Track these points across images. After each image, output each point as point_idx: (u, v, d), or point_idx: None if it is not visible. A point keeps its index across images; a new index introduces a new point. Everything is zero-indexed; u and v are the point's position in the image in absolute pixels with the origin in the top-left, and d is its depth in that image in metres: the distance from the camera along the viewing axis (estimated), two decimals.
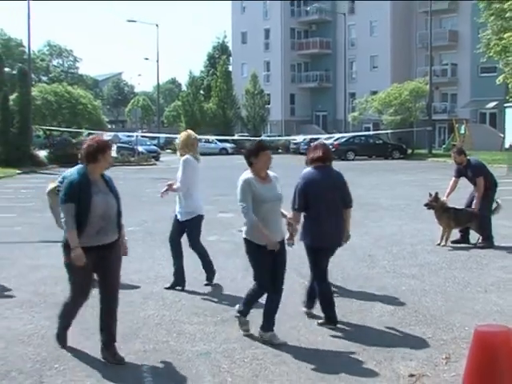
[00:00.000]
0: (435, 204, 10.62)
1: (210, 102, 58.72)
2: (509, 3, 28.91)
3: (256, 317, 6.02)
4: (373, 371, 5.18)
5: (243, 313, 6.04)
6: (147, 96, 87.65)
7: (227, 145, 50.12)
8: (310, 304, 6.61)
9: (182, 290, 7.63)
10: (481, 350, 3.99)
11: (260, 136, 49.29)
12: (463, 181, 10.82)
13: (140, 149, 40.01)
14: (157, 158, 39.94)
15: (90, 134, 38.79)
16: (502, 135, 42.62)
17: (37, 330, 6.19)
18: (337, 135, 43.45)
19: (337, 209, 6.29)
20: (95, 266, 5.33)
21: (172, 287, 7.71)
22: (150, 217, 13.39)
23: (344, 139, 40.92)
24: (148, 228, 11.94)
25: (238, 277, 8.35)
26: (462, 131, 44.07)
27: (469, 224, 10.54)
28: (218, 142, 49.56)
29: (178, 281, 7.74)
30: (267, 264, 5.78)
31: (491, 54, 31.34)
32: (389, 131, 43.20)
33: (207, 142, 48.28)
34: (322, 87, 61.30)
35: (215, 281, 8.00)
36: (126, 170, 29.87)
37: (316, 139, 38.55)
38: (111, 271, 5.43)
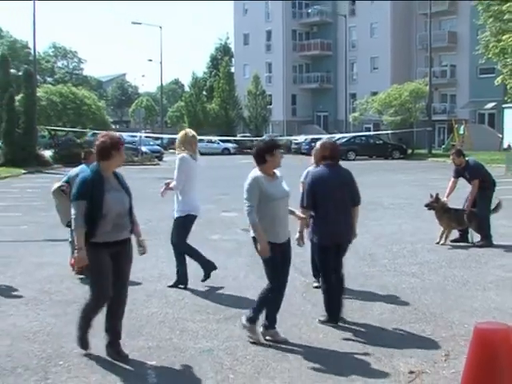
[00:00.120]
0: (436, 205, 10.69)
1: (213, 103, 58.74)
2: (507, 5, 29.01)
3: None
4: (373, 368, 5.23)
5: (253, 319, 5.85)
6: (151, 97, 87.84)
7: (229, 145, 50.29)
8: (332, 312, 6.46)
9: (185, 289, 7.66)
10: (481, 347, 3.98)
11: (262, 136, 49.34)
12: (462, 181, 10.88)
13: (143, 149, 40.02)
14: (160, 158, 39.96)
15: (94, 134, 39.04)
16: (501, 135, 42.84)
17: (42, 327, 6.25)
18: (338, 135, 43.42)
19: (345, 207, 6.29)
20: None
21: (175, 285, 7.73)
22: (153, 216, 13.47)
23: (345, 139, 40.90)
24: (152, 227, 12.06)
25: (241, 275, 8.42)
26: (462, 131, 44.15)
27: (468, 224, 10.62)
28: (220, 142, 49.66)
29: (181, 279, 7.76)
30: (279, 260, 5.73)
31: (490, 56, 31.37)
32: (389, 131, 43.21)
33: (210, 142, 48.42)
34: (323, 88, 61.38)
35: (218, 279, 8.02)
36: (129, 169, 29.80)
37: (317, 139, 38.52)
38: (122, 269, 5.37)
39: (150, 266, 8.68)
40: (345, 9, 57.14)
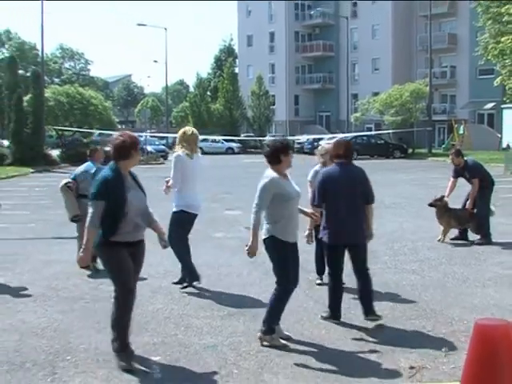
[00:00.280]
0: (439, 203, 10.79)
1: (217, 103, 58.73)
2: (506, 7, 29.11)
3: (260, 311, 6.12)
4: (374, 363, 5.30)
5: (270, 330, 5.69)
6: (156, 97, 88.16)
7: (233, 144, 50.55)
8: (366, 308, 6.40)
9: (190, 286, 7.64)
10: (481, 343, 3.98)
11: (265, 136, 49.44)
12: (461, 180, 10.97)
13: (149, 148, 40.08)
14: (165, 157, 39.87)
15: (100, 134, 39.19)
16: (500, 135, 42.93)
17: (50, 323, 6.32)
18: (340, 135, 43.46)
19: (356, 207, 6.22)
20: None
21: (180, 282, 7.74)
22: (158, 213, 13.40)
23: (347, 139, 40.93)
24: None
25: (244, 272, 8.49)
26: (461, 131, 44.30)
27: (467, 225, 10.73)
28: (224, 142, 49.85)
29: (192, 276, 7.59)
30: (291, 260, 5.72)
31: (489, 57, 31.43)
32: (390, 131, 43.36)
33: (214, 141, 48.58)
34: (325, 88, 61.51)
35: (222, 277, 8.08)
36: (135, 168, 29.91)
37: (320, 139, 38.80)
38: (135, 269, 5.33)
39: (156, 262, 8.71)
40: (347, 11, 57.26)
